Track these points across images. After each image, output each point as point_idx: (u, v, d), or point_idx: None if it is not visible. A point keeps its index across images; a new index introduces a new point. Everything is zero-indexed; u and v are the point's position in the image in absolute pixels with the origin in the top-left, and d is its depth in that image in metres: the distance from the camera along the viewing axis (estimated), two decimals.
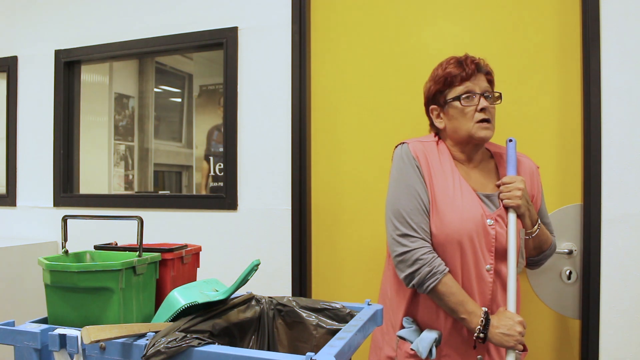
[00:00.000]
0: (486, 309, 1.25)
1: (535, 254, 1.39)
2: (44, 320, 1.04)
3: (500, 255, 1.30)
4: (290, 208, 1.96)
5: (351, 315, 1.05)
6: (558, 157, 1.70)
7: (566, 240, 1.68)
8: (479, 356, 1.32)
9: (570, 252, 1.66)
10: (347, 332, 0.90)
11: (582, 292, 1.63)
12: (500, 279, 1.31)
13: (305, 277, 1.94)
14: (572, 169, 1.68)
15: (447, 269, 1.27)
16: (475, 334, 1.24)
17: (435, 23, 1.84)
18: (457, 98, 1.30)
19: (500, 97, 1.34)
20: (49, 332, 0.92)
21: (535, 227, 1.32)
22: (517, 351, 1.24)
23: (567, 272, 1.67)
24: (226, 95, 2.07)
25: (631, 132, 1.58)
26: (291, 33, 1.97)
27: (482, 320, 1.23)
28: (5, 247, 2.10)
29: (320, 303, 1.09)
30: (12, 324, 0.97)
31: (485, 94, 1.30)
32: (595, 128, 1.60)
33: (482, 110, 1.29)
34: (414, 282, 1.27)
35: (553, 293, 1.69)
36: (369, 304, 1.11)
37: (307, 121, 1.96)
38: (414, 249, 1.27)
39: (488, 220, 1.28)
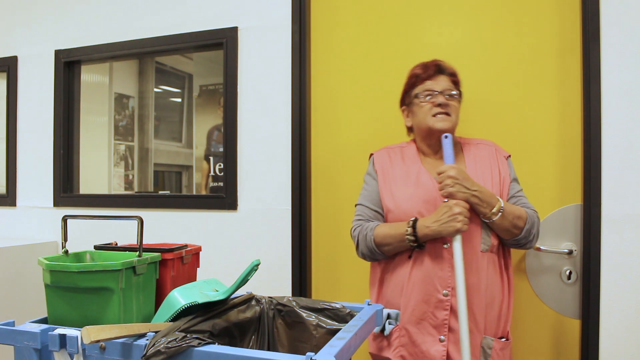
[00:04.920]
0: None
1: (518, 232, 1.35)
2: (44, 320, 1.04)
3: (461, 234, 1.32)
4: (290, 208, 1.96)
5: (351, 315, 1.05)
6: (558, 157, 1.69)
7: (566, 240, 1.68)
8: (441, 336, 1.35)
9: (570, 252, 1.66)
10: (347, 332, 0.90)
11: (582, 292, 1.63)
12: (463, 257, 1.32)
13: (305, 277, 1.94)
14: (572, 169, 1.68)
15: (376, 223, 1.42)
16: (407, 240, 1.32)
17: (435, 21, 1.84)
18: (417, 95, 1.44)
19: (460, 95, 1.45)
20: (49, 332, 0.92)
21: (496, 207, 1.31)
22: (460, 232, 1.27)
23: (567, 272, 1.67)
24: (226, 95, 2.07)
25: (631, 132, 1.58)
26: (291, 33, 1.97)
27: (409, 223, 1.32)
28: (5, 247, 2.10)
29: (320, 303, 1.09)
30: (12, 324, 0.97)
31: (444, 92, 1.41)
32: (595, 128, 1.60)
33: (439, 105, 1.39)
34: (361, 253, 1.44)
35: (553, 293, 1.69)
36: (369, 304, 1.11)
37: (307, 121, 1.96)
38: (353, 233, 1.46)
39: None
